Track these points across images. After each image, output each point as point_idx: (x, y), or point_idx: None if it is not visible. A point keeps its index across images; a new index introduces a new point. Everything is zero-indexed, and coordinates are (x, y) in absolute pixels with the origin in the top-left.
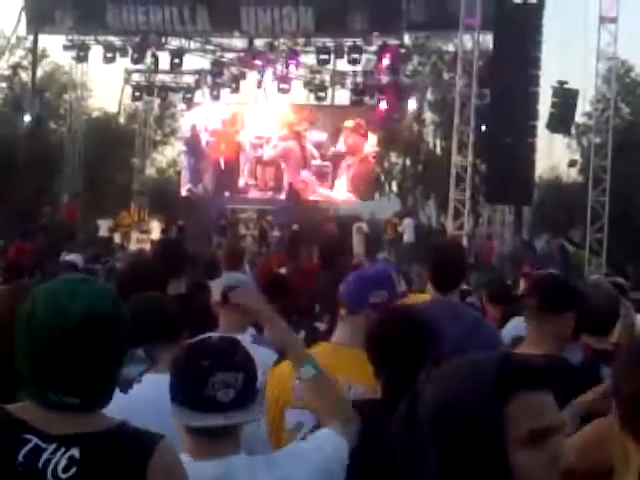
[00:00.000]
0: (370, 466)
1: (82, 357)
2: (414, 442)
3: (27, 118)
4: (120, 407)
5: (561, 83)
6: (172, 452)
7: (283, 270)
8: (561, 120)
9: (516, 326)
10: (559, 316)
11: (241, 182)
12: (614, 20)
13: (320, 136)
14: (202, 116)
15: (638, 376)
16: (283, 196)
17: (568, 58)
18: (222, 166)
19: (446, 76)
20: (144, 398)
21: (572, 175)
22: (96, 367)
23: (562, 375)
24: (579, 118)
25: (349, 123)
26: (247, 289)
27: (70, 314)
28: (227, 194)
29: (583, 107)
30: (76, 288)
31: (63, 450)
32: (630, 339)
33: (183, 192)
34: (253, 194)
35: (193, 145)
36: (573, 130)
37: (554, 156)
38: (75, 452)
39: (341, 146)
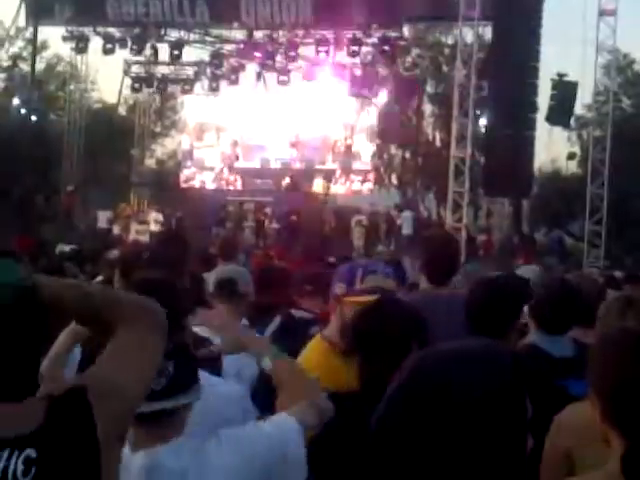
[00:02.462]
0: (337, 456)
1: None
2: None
3: (25, 110)
4: None
5: (560, 75)
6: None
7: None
8: (560, 112)
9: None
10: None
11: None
12: (613, 12)
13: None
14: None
15: (618, 366)
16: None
17: (567, 50)
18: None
19: (445, 68)
20: None
21: (571, 168)
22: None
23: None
24: (579, 110)
25: None
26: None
27: None
28: (229, 187)
29: (582, 99)
30: None
31: (17, 454)
32: (603, 331)
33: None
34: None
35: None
36: (573, 122)
37: (553, 149)
38: (31, 452)
39: None
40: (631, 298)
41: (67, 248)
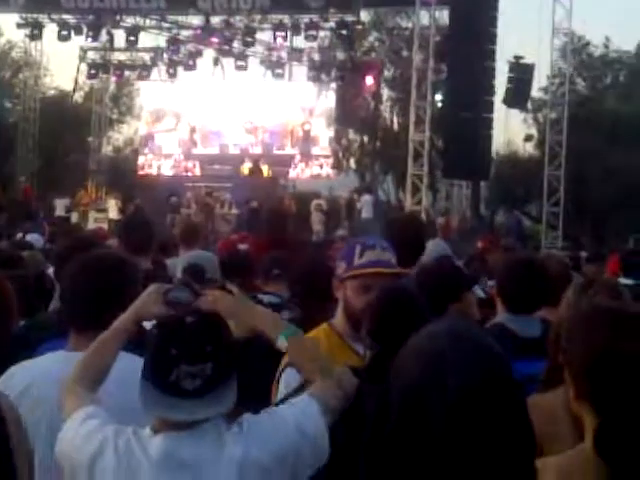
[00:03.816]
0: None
1: None
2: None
3: None
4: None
5: (517, 58)
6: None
7: (244, 246)
8: (517, 95)
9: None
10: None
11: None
12: None
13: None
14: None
15: (591, 339)
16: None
17: (524, 33)
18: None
19: (404, 53)
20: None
21: (528, 150)
22: None
23: None
24: (535, 93)
25: None
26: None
27: None
28: (187, 174)
29: (539, 82)
30: None
31: None
32: (575, 307)
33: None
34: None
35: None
36: (529, 105)
37: (510, 131)
38: None
39: None
40: (592, 279)
41: (32, 237)
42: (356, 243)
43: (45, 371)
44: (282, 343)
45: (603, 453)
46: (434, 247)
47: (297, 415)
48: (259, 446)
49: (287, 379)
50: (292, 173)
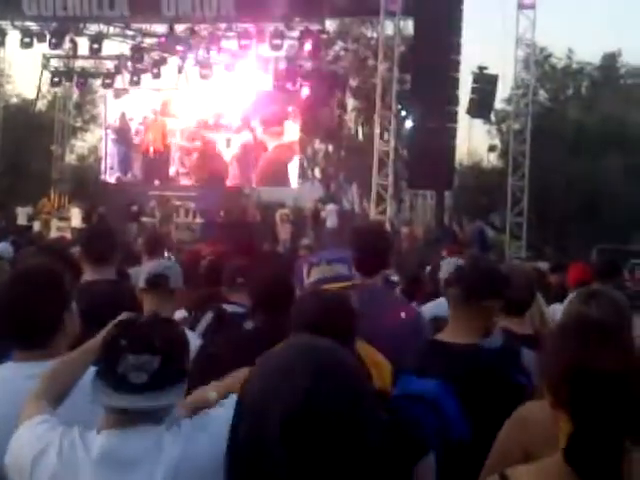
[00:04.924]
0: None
1: None
2: None
3: None
4: None
5: (481, 69)
6: None
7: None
8: (481, 105)
9: (437, 305)
10: (483, 305)
11: (172, 171)
12: (532, 6)
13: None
14: (131, 104)
15: (566, 349)
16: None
17: (488, 44)
18: (151, 155)
19: (369, 62)
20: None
21: (492, 160)
22: None
23: (476, 363)
24: (499, 104)
25: None
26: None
27: None
28: (157, 182)
29: (503, 93)
30: None
31: None
32: (562, 321)
33: (108, 179)
34: (184, 182)
35: (122, 134)
36: (493, 116)
37: (474, 141)
38: None
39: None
40: (595, 290)
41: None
42: (306, 262)
43: None
44: (212, 394)
45: (572, 462)
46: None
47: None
48: (196, 447)
49: None
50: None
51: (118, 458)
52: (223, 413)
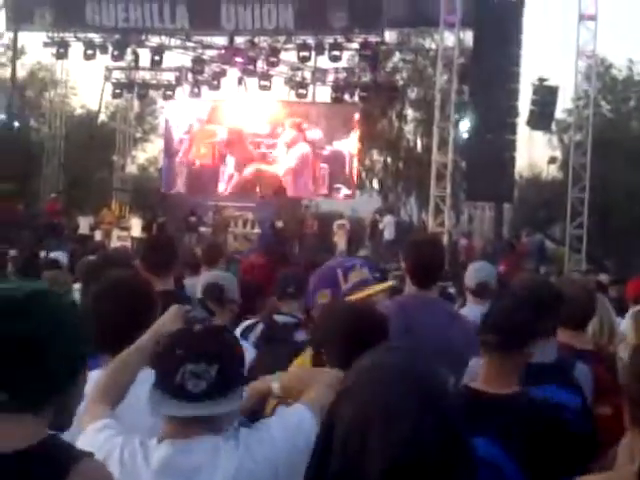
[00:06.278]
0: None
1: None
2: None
3: (5, 116)
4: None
5: (541, 80)
6: (93, 471)
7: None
8: (541, 117)
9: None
10: (521, 352)
11: (220, 188)
12: (593, 17)
13: (317, 134)
14: (177, 112)
15: (635, 368)
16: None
17: (548, 55)
18: (197, 168)
19: (428, 73)
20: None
21: (552, 172)
22: (22, 372)
23: (528, 410)
24: (560, 114)
25: None
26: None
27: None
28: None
29: (563, 104)
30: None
31: None
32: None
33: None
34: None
35: (167, 143)
36: (554, 127)
37: (534, 153)
38: None
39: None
40: None
41: (56, 254)
42: (334, 267)
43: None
44: (274, 385)
45: None
46: (476, 272)
47: (290, 429)
48: (253, 459)
49: None
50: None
51: (177, 469)
52: (282, 429)
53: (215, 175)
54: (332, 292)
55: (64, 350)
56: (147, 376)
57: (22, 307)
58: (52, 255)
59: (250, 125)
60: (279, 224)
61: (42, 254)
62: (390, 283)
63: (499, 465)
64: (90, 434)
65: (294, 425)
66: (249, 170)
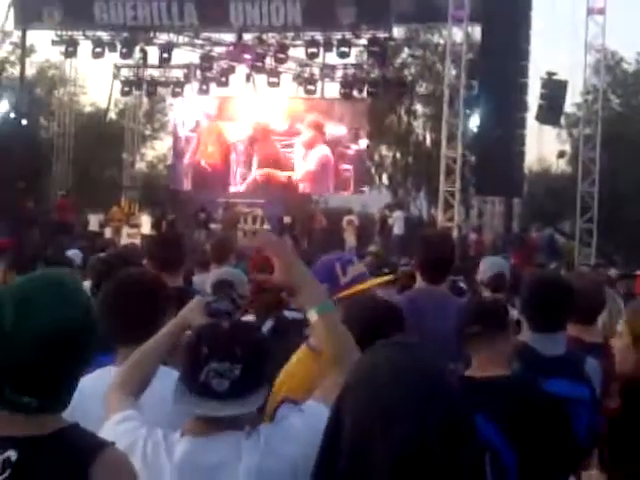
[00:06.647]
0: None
1: (45, 363)
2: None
3: (14, 114)
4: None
5: (550, 74)
6: (116, 460)
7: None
8: (550, 111)
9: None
10: (501, 336)
11: (232, 189)
12: (602, 11)
13: (340, 130)
14: (186, 108)
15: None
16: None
17: (557, 49)
18: (206, 169)
19: (436, 68)
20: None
21: (561, 166)
22: (59, 372)
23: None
24: (569, 108)
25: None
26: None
27: (38, 325)
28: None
29: (572, 98)
30: (47, 296)
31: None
32: None
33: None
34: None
35: (174, 141)
36: (563, 121)
37: (543, 147)
38: (12, 454)
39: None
40: None
41: (71, 252)
42: (332, 261)
43: (95, 387)
44: (312, 316)
45: None
46: (490, 266)
47: (310, 426)
48: (274, 456)
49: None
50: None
51: (198, 464)
52: (303, 426)
53: (224, 175)
54: (331, 286)
55: (92, 347)
56: (165, 373)
57: (69, 295)
58: (69, 253)
59: (270, 122)
60: (287, 219)
61: (50, 252)
62: (389, 277)
63: (494, 447)
64: (112, 425)
65: (314, 422)
66: (260, 172)
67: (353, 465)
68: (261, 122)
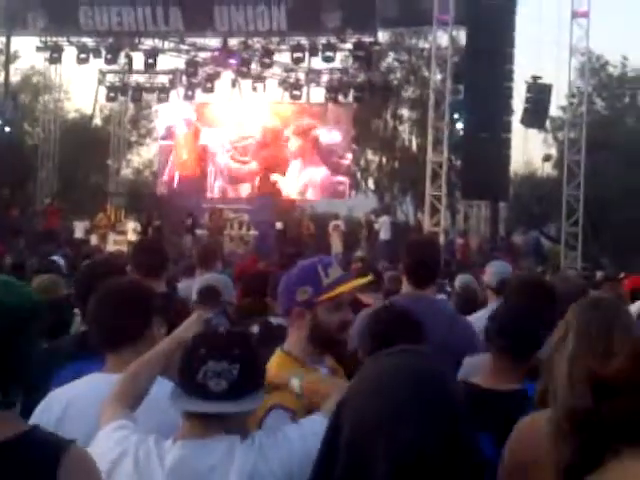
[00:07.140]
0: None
1: None
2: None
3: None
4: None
5: (535, 78)
6: (82, 457)
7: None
8: (535, 115)
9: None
10: (530, 358)
11: (209, 196)
12: (586, 14)
13: (333, 136)
14: (171, 114)
15: None
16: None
17: (542, 53)
18: (182, 176)
19: (422, 73)
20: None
21: (547, 170)
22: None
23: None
24: (554, 112)
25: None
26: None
27: None
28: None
29: (557, 102)
30: None
31: None
32: None
33: (163, 192)
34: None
35: (160, 147)
36: (548, 124)
37: (529, 151)
38: None
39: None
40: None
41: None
42: (314, 263)
43: (82, 394)
44: (294, 381)
45: None
46: (496, 270)
47: (306, 435)
48: (268, 461)
49: (271, 422)
50: (309, 194)
51: (191, 469)
52: (298, 434)
53: (200, 189)
54: (313, 288)
55: (36, 339)
56: (160, 382)
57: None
58: (53, 258)
59: (242, 128)
60: (279, 225)
61: (35, 260)
62: (369, 277)
63: (492, 461)
64: (105, 434)
65: (311, 432)
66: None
67: (350, 474)
68: (247, 128)
